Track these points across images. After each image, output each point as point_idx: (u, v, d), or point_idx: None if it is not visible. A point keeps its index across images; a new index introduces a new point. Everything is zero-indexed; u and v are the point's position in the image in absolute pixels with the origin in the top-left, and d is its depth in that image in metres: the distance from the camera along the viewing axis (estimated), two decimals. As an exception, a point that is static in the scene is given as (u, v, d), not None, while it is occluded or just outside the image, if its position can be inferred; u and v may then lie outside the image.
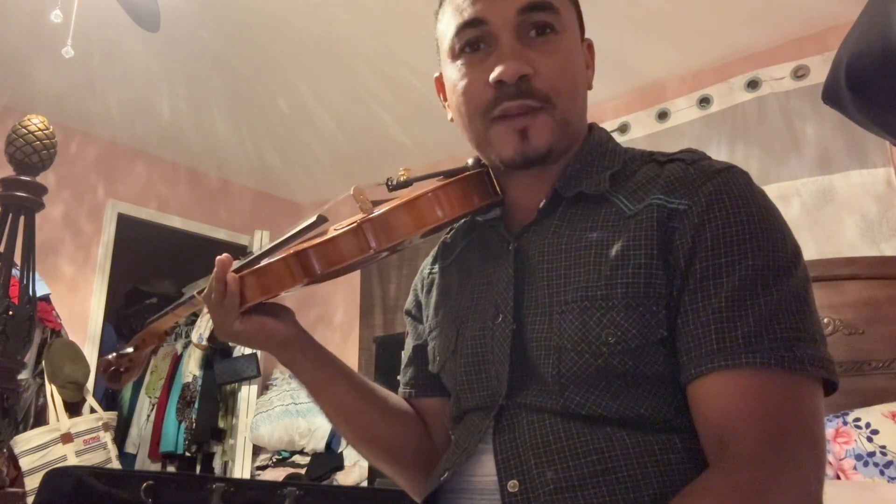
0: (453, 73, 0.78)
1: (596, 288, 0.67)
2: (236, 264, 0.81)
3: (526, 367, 0.71)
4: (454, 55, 0.77)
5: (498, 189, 0.81)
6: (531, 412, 0.69)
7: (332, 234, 0.75)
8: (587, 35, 0.84)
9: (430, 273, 0.92)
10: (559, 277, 0.70)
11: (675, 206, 0.67)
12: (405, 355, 0.95)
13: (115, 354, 0.95)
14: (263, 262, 0.78)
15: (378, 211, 0.73)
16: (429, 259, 0.94)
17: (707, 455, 0.62)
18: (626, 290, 0.66)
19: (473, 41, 0.75)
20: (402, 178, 0.79)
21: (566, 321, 0.68)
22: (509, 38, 0.73)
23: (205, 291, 0.81)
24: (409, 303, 0.96)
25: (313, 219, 0.76)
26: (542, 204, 0.76)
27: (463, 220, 0.88)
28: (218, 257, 0.80)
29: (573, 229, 0.73)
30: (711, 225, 0.65)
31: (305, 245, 0.75)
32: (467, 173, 0.79)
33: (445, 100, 0.84)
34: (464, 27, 0.75)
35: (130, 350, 0.95)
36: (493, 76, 0.72)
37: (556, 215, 0.75)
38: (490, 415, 0.71)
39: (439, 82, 0.85)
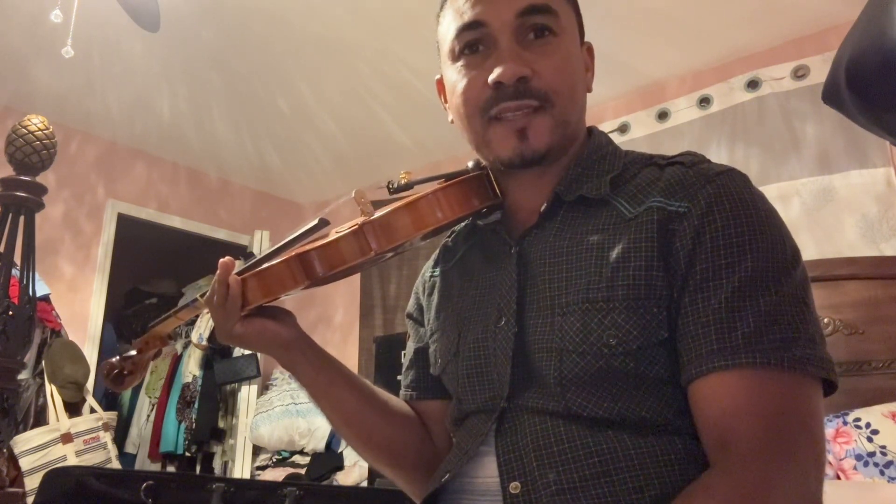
0: (453, 75, 0.79)
1: (597, 290, 0.68)
2: (238, 267, 0.81)
3: (527, 370, 0.71)
4: (454, 57, 0.78)
5: (498, 191, 0.81)
6: (533, 414, 0.69)
7: (333, 236, 0.75)
8: (588, 35, 0.84)
9: (431, 276, 0.92)
10: (560, 280, 0.71)
11: (675, 209, 0.68)
12: (406, 358, 0.95)
13: (118, 357, 0.95)
14: (265, 265, 0.78)
15: (379, 213, 0.73)
16: (430, 262, 0.95)
17: (708, 454, 0.62)
18: (626, 292, 0.66)
19: (473, 43, 0.76)
20: (402, 181, 0.79)
21: (567, 323, 0.68)
22: (508, 41, 0.74)
23: (206, 294, 0.81)
24: (410, 306, 0.96)
25: (315, 222, 0.76)
26: (543, 208, 0.76)
27: (464, 224, 0.88)
28: (220, 260, 0.81)
29: (574, 232, 0.73)
30: (711, 227, 0.65)
31: (307, 247, 0.75)
32: (467, 175, 0.80)
33: (446, 102, 0.84)
34: (463, 29, 0.76)
35: (133, 353, 0.95)
36: (491, 77, 0.73)
37: (557, 219, 0.76)
38: (492, 417, 0.72)
39: (440, 84, 0.86)
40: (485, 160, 0.81)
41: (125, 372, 0.94)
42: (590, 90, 0.82)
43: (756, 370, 0.61)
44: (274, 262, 0.77)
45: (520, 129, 0.74)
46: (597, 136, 0.82)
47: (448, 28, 0.79)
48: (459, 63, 0.77)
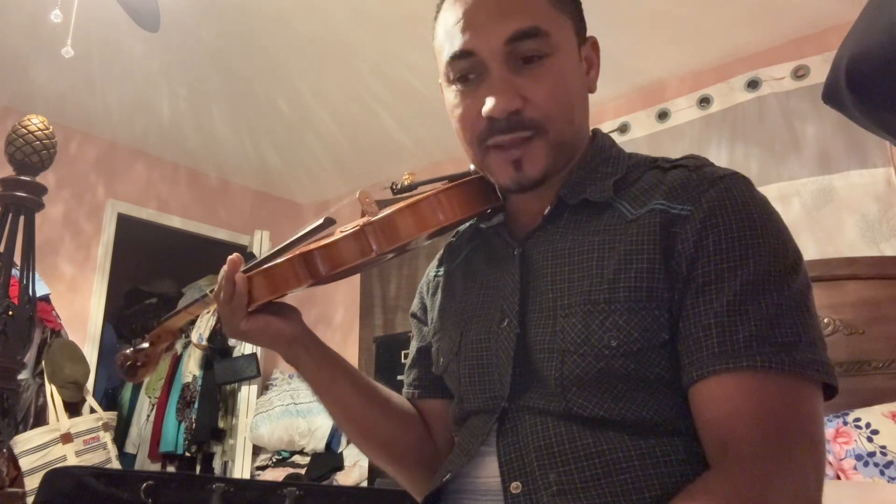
0: (449, 98, 0.78)
1: (599, 292, 0.68)
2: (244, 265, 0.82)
3: (529, 370, 0.71)
4: (448, 81, 0.78)
5: (500, 194, 0.82)
6: (534, 415, 0.69)
7: (335, 236, 0.76)
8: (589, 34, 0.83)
9: (435, 276, 0.93)
10: (563, 282, 0.71)
11: (678, 212, 0.68)
12: (409, 356, 0.95)
13: (132, 349, 0.97)
14: (270, 263, 0.78)
15: (380, 214, 0.74)
16: (434, 262, 0.95)
17: (708, 457, 0.63)
18: (628, 294, 0.67)
19: (464, 72, 0.75)
20: (406, 183, 0.79)
21: (569, 325, 0.68)
22: (499, 69, 0.73)
23: (214, 290, 0.82)
24: (414, 305, 0.97)
25: (321, 221, 0.77)
26: (546, 210, 0.77)
27: (468, 225, 0.89)
28: (229, 257, 0.82)
29: (577, 235, 0.74)
30: (713, 231, 0.66)
31: (311, 247, 0.76)
32: (470, 178, 0.80)
33: None
34: (454, 59, 0.75)
35: (146, 345, 0.97)
36: (484, 111, 0.72)
37: (560, 221, 0.76)
38: (493, 417, 0.72)
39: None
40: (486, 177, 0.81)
41: (138, 364, 0.96)
42: (593, 90, 0.81)
43: (757, 374, 0.61)
44: (278, 260, 0.78)
45: (515, 161, 0.74)
46: (600, 139, 0.82)
47: (441, 48, 0.78)
48: (454, 88, 0.77)
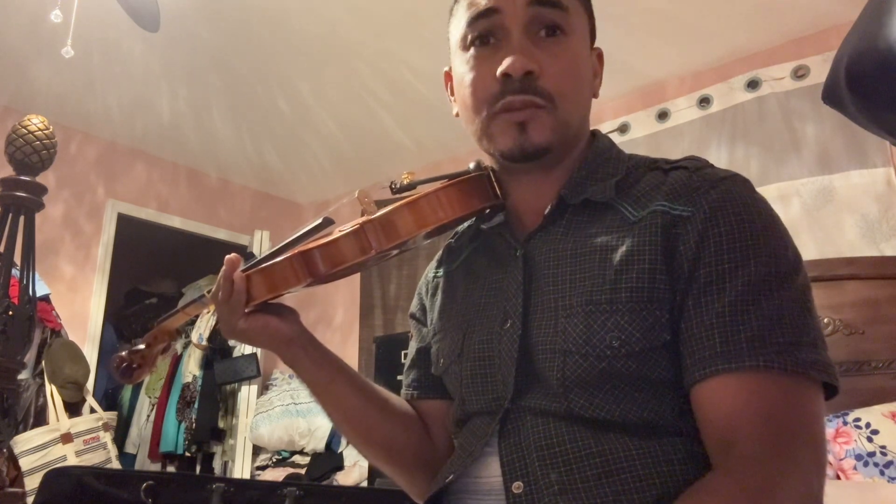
0: (462, 65, 0.79)
1: (601, 292, 0.68)
2: (242, 265, 0.82)
3: (531, 371, 0.71)
4: (465, 46, 0.79)
5: (499, 193, 0.82)
6: (536, 415, 0.69)
7: (335, 234, 0.76)
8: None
9: (434, 277, 0.93)
10: (565, 282, 0.71)
11: (679, 213, 0.68)
12: (409, 358, 0.95)
13: (127, 350, 0.96)
14: (269, 263, 0.78)
15: (380, 212, 0.74)
16: (433, 263, 0.95)
17: (711, 456, 0.63)
18: (630, 295, 0.67)
19: (485, 33, 0.77)
20: (405, 182, 0.79)
21: (571, 325, 0.68)
22: (519, 34, 0.75)
23: (212, 290, 0.82)
24: (413, 306, 0.97)
25: (319, 220, 0.77)
26: (547, 210, 0.77)
27: (468, 225, 0.89)
28: (227, 256, 0.82)
29: (579, 235, 0.74)
30: (715, 232, 0.66)
31: (310, 245, 0.76)
32: (470, 175, 0.80)
33: (452, 94, 0.85)
34: (477, 17, 0.77)
35: (142, 346, 0.96)
36: (500, 69, 0.73)
37: (562, 222, 0.76)
38: (495, 419, 0.72)
39: (448, 76, 0.87)
40: (486, 153, 0.81)
41: (134, 365, 0.95)
42: (596, 96, 0.83)
43: (759, 373, 0.61)
44: (278, 259, 0.78)
45: (520, 123, 0.74)
46: (600, 140, 0.83)
47: (461, 17, 0.79)
48: (469, 53, 0.78)
